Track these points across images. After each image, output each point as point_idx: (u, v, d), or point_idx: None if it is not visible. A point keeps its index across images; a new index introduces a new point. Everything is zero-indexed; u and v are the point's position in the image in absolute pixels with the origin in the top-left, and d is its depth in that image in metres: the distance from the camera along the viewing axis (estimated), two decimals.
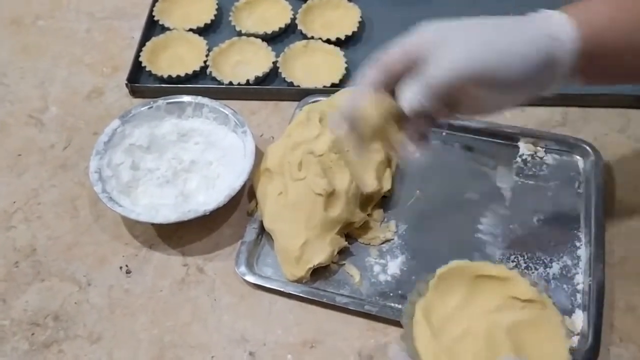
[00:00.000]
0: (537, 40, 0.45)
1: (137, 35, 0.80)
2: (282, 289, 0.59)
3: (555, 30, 0.45)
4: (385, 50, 0.48)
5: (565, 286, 0.58)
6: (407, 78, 0.47)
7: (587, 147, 0.67)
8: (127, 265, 0.62)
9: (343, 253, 0.61)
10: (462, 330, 0.49)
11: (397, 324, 0.57)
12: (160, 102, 0.69)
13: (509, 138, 0.69)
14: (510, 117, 0.72)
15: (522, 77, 0.45)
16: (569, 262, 0.60)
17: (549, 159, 0.67)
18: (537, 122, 0.71)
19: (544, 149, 0.68)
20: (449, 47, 0.45)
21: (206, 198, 0.64)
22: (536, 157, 0.68)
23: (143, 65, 0.76)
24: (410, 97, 0.46)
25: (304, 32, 0.79)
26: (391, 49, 0.47)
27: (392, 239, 0.62)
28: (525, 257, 0.60)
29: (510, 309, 0.50)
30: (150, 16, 0.82)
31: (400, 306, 0.57)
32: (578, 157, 0.67)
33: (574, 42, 0.45)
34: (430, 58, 0.45)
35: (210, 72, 0.75)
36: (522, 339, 0.48)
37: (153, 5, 0.83)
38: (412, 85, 0.46)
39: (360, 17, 0.80)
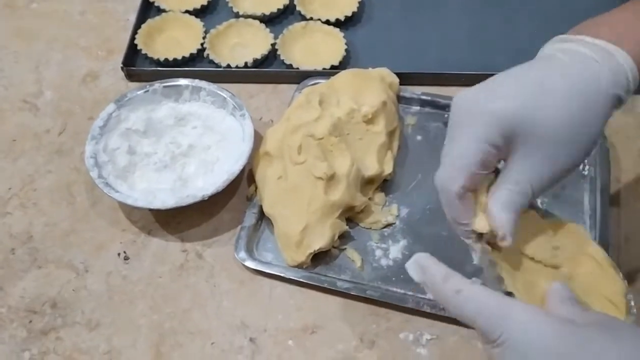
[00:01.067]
0: (610, 101, 0.41)
1: (132, 17, 0.78)
2: (282, 274, 0.58)
3: (623, 90, 0.42)
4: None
5: None
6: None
7: None
8: (125, 252, 0.61)
9: (344, 237, 0.60)
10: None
11: (400, 308, 0.56)
12: (157, 85, 0.67)
13: None
14: None
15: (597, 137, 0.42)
16: None
17: None
18: None
19: None
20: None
21: (204, 183, 0.63)
22: None
23: (139, 48, 0.75)
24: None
25: (302, 13, 0.77)
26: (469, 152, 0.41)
27: (394, 223, 0.61)
28: None
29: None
30: None
31: (402, 291, 0.57)
32: None
33: (636, 81, 0.42)
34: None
35: (208, 54, 0.74)
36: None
37: None
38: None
39: None
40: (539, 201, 0.62)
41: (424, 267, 0.41)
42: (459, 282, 0.39)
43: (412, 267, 0.42)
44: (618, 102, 0.42)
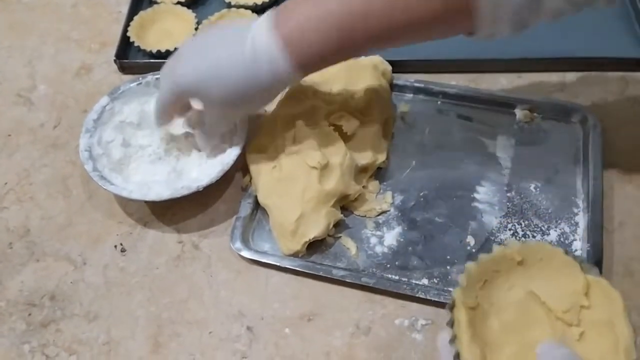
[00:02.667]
0: (253, 72, 0.52)
1: (124, 9, 0.78)
2: (278, 264, 0.58)
3: (272, 66, 0.52)
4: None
5: None
6: None
7: (585, 112, 0.66)
8: (121, 244, 0.62)
9: (339, 226, 0.61)
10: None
11: (395, 295, 0.57)
12: (150, 77, 0.67)
13: (506, 105, 0.68)
14: (507, 84, 0.71)
15: (235, 97, 0.54)
16: (567, 229, 0.59)
17: (547, 125, 0.67)
18: (535, 88, 0.70)
19: (541, 116, 0.67)
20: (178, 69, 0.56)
21: (199, 174, 0.63)
22: (533, 124, 0.67)
23: (131, 40, 0.75)
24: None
25: None
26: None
27: (388, 211, 0.62)
28: (523, 225, 0.60)
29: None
30: None
31: (397, 277, 0.57)
32: (576, 123, 0.66)
33: (291, 71, 0.52)
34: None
35: None
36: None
37: None
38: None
39: None
40: (532, 186, 0.62)
41: None
42: None
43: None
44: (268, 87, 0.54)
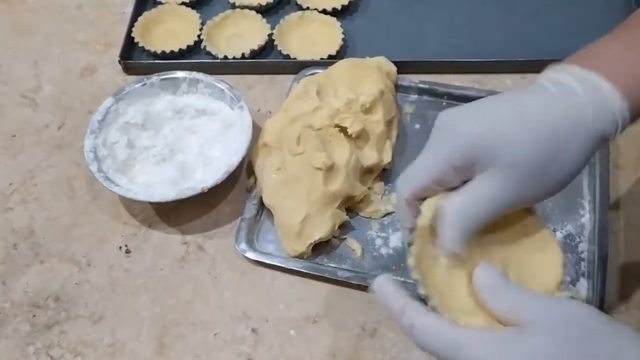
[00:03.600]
0: (592, 137, 0.40)
1: (129, 10, 0.78)
2: (283, 265, 0.58)
3: (608, 126, 0.40)
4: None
5: (569, 255, 0.57)
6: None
7: None
8: (126, 245, 0.62)
9: (344, 227, 0.60)
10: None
11: None
12: (154, 78, 0.67)
13: None
14: (512, 84, 0.71)
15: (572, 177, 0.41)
16: (573, 231, 0.59)
17: None
18: None
19: None
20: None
21: (204, 175, 0.63)
22: None
23: (136, 41, 0.75)
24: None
25: (299, 2, 0.77)
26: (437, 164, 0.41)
27: (394, 212, 0.61)
28: None
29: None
30: None
31: (403, 279, 0.57)
32: None
33: (625, 118, 0.40)
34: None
35: (205, 46, 0.74)
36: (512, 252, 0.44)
37: None
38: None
39: None
40: None
41: (384, 296, 0.41)
42: (413, 316, 0.39)
43: (375, 293, 0.42)
44: (603, 139, 0.41)
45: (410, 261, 0.42)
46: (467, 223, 0.40)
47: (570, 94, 0.40)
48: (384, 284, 0.41)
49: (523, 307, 0.38)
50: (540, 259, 0.45)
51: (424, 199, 0.44)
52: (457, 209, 0.41)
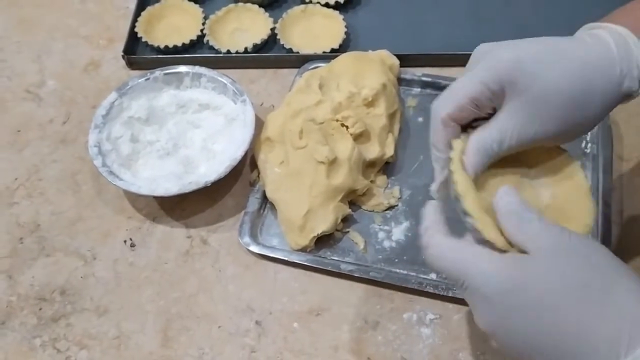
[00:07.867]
0: (618, 91, 0.42)
1: (132, 5, 0.78)
2: (286, 258, 0.59)
3: (634, 74, 0.42)
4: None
5: None
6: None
7: None
8: (131, 239, 0.62)
9: (347, 221, 0.61)
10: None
11: (403, 289, 0.57)
12: (158, 73, 0.68)
13: None
14: None
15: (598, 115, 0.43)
16: None
17: None
18: None
19: None
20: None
21: (207, 169, 0.63)
22: None
23: (139, 36, 0.75)
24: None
25: None
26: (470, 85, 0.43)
27: (396, 205, 0.62)
28: None
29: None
30: None
31: (405, 272, 0.57)
32: None
33: None
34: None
35: (208, 41, 0.74)
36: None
37: None
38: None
39: None
40: None
41: (425, 215, 0.43)
42: (429, 238, 0.41)
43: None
44: (627, 95, 0.43)
45: (457, 176, 0.42)
46: (487, 153, 0.43)
47: (603, 46, 0.42)
48: (428, 205, 0.43)
49: (533, 235, 0.39)
50: (571, 194, 0.45)
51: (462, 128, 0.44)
52: (481, 136, 0.43)
